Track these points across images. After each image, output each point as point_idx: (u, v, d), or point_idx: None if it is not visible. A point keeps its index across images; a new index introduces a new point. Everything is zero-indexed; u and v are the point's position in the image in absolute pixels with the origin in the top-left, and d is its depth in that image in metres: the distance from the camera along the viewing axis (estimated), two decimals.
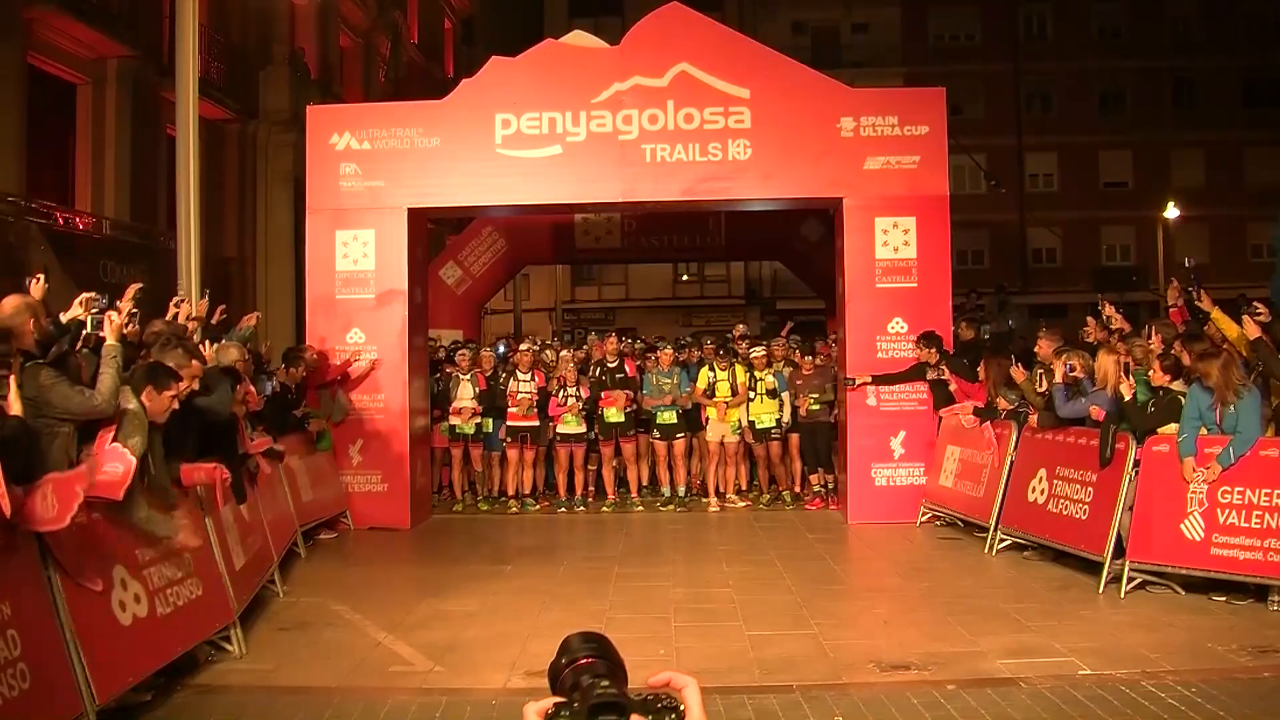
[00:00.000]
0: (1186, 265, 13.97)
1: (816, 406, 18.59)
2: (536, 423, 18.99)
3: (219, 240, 30.34)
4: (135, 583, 8.38)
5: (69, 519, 7.25)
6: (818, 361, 19.01)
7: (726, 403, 18.89)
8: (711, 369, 19.17)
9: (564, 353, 20.00)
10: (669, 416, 19.18)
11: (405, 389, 17.43)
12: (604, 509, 18.93)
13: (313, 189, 18.02)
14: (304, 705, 8.72)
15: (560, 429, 19.01)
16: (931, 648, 9.93)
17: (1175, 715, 8.01)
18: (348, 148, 17.73)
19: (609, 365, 19.47)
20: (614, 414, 19.03)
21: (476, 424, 19.27)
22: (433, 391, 19.50)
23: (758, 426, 19.12)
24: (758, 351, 19.30)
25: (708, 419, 19.18)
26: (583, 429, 19.05)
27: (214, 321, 14.41)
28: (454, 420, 19.20)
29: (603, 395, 19.08)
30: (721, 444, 19.07)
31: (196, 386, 10.40)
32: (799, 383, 18.80)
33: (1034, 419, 14.39)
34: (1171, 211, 47.20)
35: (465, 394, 19.14)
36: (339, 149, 17.75)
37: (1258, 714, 8.01)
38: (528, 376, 19.04)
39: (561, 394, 18.80)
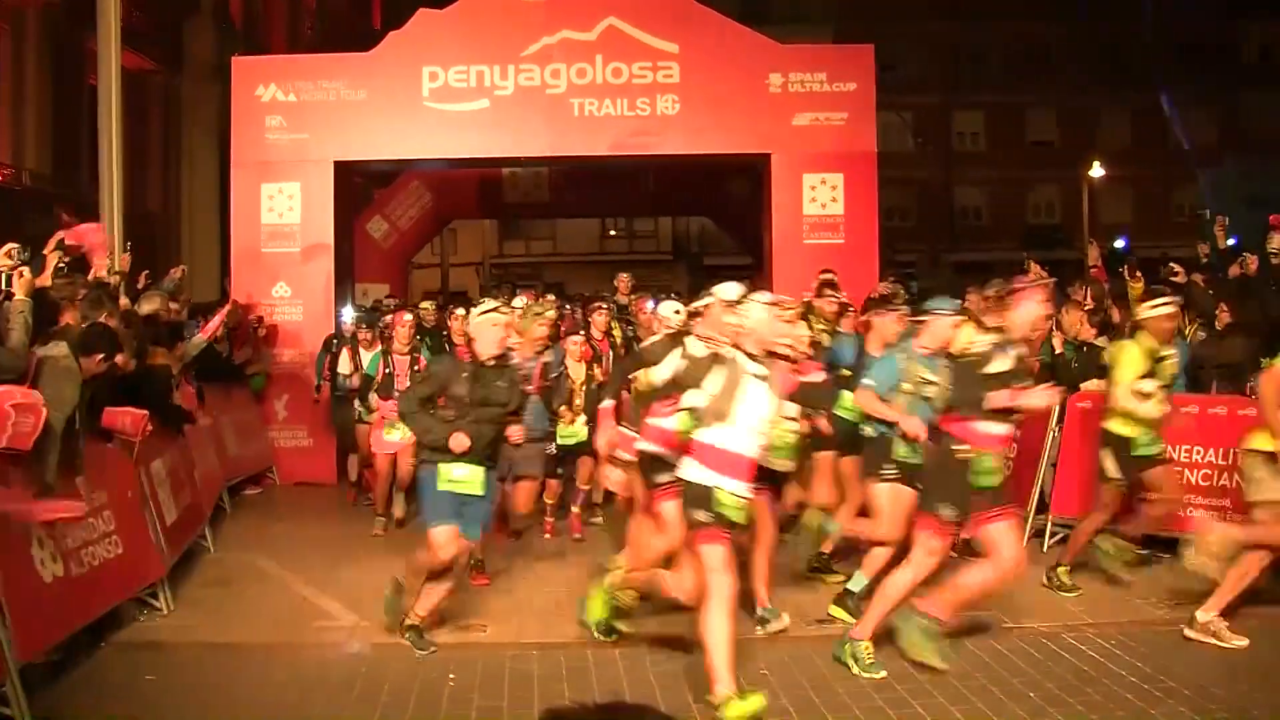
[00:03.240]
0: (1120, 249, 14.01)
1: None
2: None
3: (142, 193, 29.97)
4: (49, 541, 8.28)
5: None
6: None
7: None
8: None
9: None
10: None
11: None
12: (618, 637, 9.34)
13: (238, 142, 17.88)
14: (229, 661, 8.72)
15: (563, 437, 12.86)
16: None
17: (1094, 666, 8.16)
18: (273, 100, 17.59)
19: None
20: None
21: None
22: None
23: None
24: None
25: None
26: (584, 435, 12.66)
27: (139, 286, 14.17)
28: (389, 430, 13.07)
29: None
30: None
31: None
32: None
33: None
34: (1096, 171, 47.50)
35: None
36: (264, 101, 17.60)
37: (1174, 663, 8.15)
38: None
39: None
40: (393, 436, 12.88)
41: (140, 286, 14.03)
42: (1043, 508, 12.14)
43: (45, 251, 10.45)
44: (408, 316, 14.12)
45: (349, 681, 8.21)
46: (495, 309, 9.25)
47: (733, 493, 7.43)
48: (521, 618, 9.91)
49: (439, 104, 17.58)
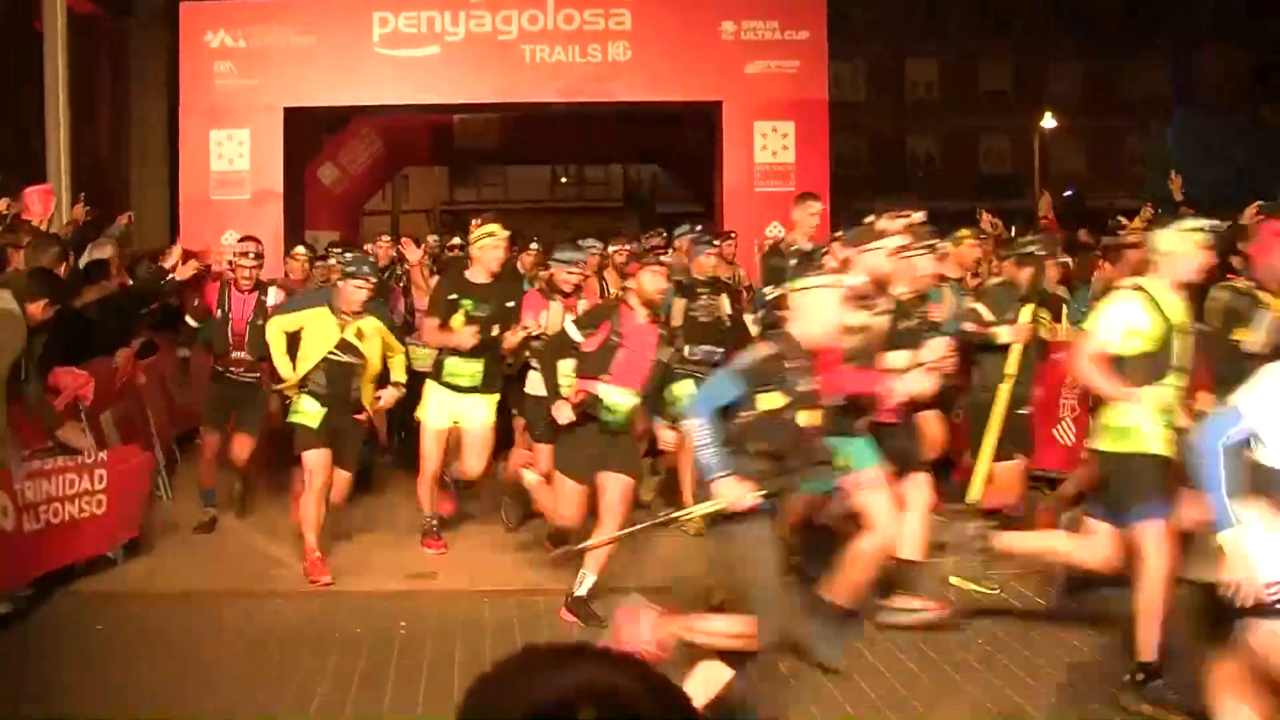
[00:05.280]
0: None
1: None
2: None
3: (91, 140, 29.65)
4: (2, 494, 8.23)
5: None
6: None
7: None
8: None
9: None
10: None
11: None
12: None
13: (186, 88, 17.77)
14: (183, 610, 8.73)
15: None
16: None
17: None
18: (222, 45, 17.44)
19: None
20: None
21: None
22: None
23: None
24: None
25: None
26: None
27: (81, 222, 14.00)
28: None
29: None
30: None
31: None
32: None
33: None
34: (1048, 121, 47.54)
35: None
36: (213, 46, 17.45)
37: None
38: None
39: None
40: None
41: (81, 222, 13.84)
42: None
43: None
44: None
45: (301, 630, 8.23)
46: None
47: None
48: (473, 565, 9.93)
49: (389, 49, 17.47)
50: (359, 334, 9.80)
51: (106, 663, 7.67)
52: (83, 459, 9.23)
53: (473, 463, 10.48)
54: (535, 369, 10.08)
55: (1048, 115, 47.28)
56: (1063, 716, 6.92)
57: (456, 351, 10.13)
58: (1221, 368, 7.98)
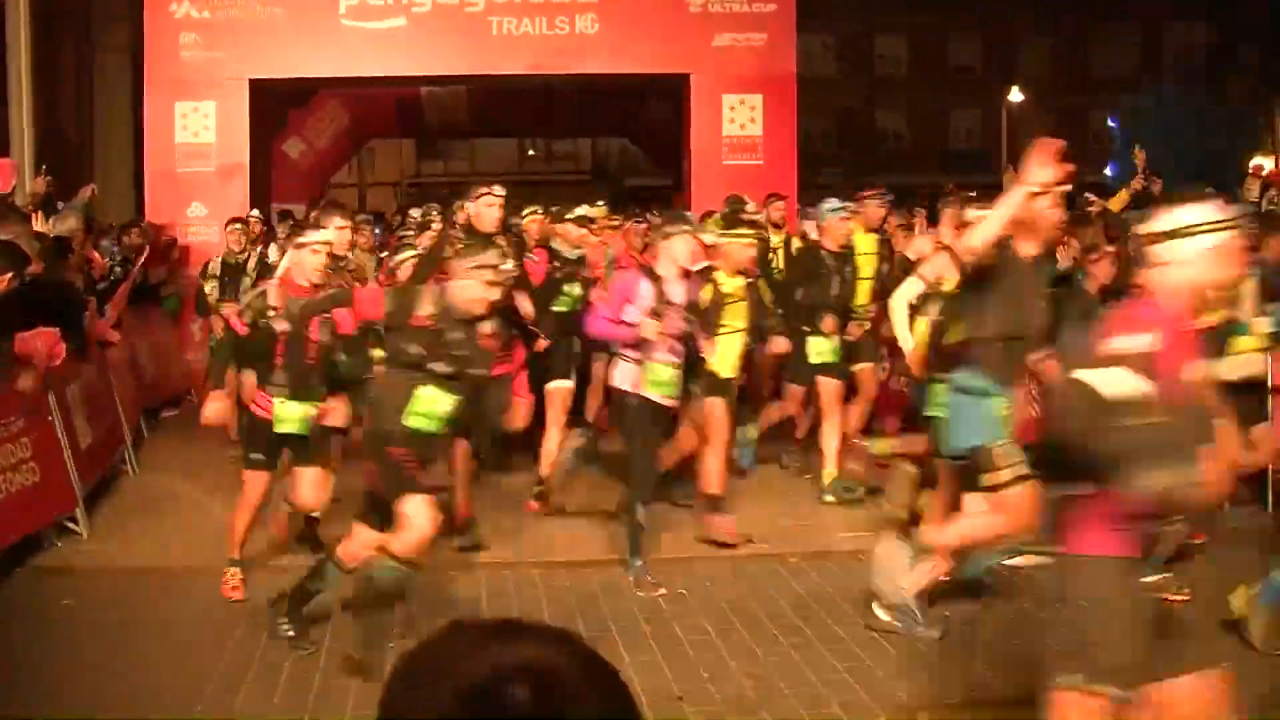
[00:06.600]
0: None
1: None
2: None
3: (54, 113, 29.43)
4: None
5: None
6: None
7: None
8: None
9: None
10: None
11: None
12: None
13: (151, 60, 17.70)
14: (149, 585, 8.69)
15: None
16: (778, 523, 10.07)
17: None
18: (187, 16, 17.37)
19: None
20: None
21: None
22: None
23: None
24: None
25: None
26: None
27: (41, 193, 13.90)
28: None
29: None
30: None
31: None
32: None
33: None
34: (1015, 95, 47.61)
35: None
36: (178, 18, 17.39)
37: None
38: None
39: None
40: None
41: (42, 191, 13.74)
42: None
43: None
44: None
45: (265, 607, 8.18)
46: None
47: None
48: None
49: (356, 21, 17.42)
50: None
51: (74, 637, 7.63)
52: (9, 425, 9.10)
53: None
54: None
55: (1015, 90, 47.35)
56: None
57: None
58: None
